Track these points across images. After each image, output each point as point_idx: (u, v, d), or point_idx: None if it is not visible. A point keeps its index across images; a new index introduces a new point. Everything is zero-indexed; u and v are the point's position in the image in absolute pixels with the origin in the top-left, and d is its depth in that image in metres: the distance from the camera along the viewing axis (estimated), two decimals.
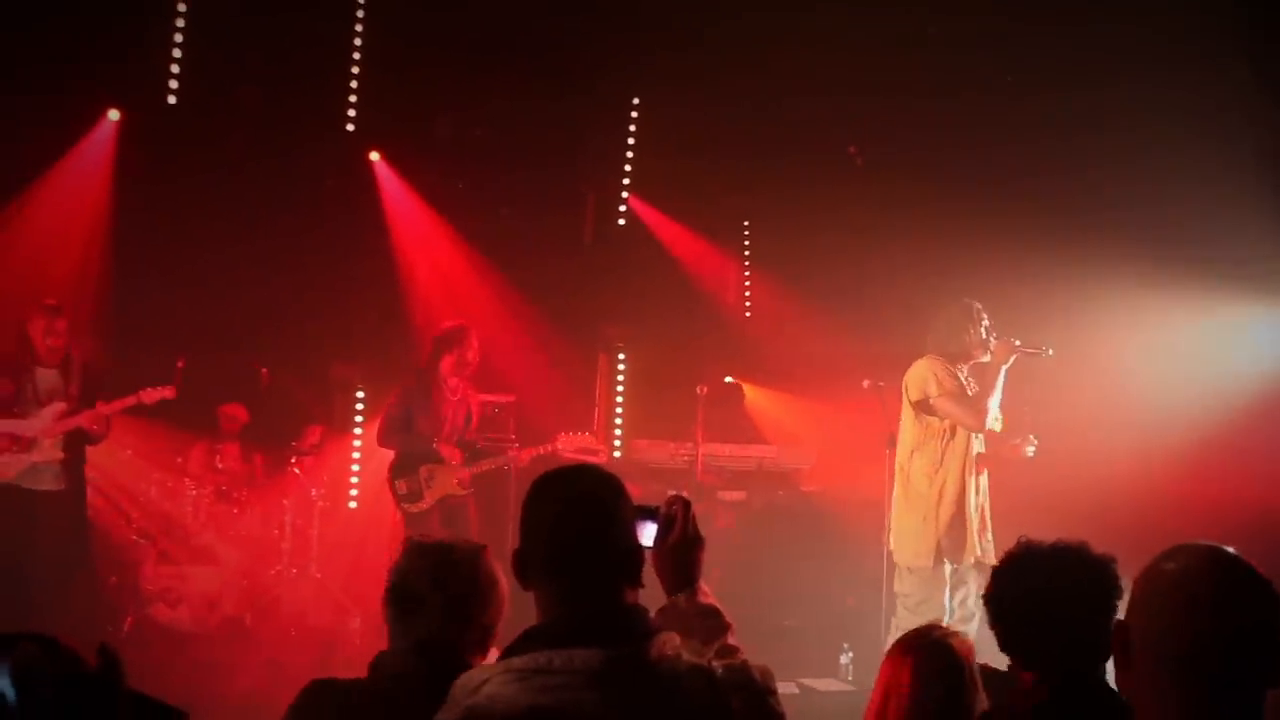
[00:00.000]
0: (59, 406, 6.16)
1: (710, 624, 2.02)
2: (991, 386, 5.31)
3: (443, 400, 6.71)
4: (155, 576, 7.05)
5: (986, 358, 5.41)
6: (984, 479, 5.48)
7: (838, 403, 7.73)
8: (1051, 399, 6.74)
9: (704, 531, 2.14)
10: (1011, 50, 7.28)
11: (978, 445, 5.45)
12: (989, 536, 5.41)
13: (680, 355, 8.83)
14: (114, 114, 7.95)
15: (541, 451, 6.67)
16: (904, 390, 5.51)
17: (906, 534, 5.35)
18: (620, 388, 9.22)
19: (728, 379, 8.74)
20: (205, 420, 7.76)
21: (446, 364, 6.69)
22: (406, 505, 6.68)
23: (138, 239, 7.85)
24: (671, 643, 1.81)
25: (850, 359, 7.32)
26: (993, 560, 5.21)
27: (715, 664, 1.86)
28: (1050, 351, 5.43)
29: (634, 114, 9.31)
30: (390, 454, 6.84)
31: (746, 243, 10.01)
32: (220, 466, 7.66)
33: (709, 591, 2.09)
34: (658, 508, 2.10)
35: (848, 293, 8.17)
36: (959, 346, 5.44)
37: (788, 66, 7.88)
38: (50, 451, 6.14)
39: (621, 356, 9.27)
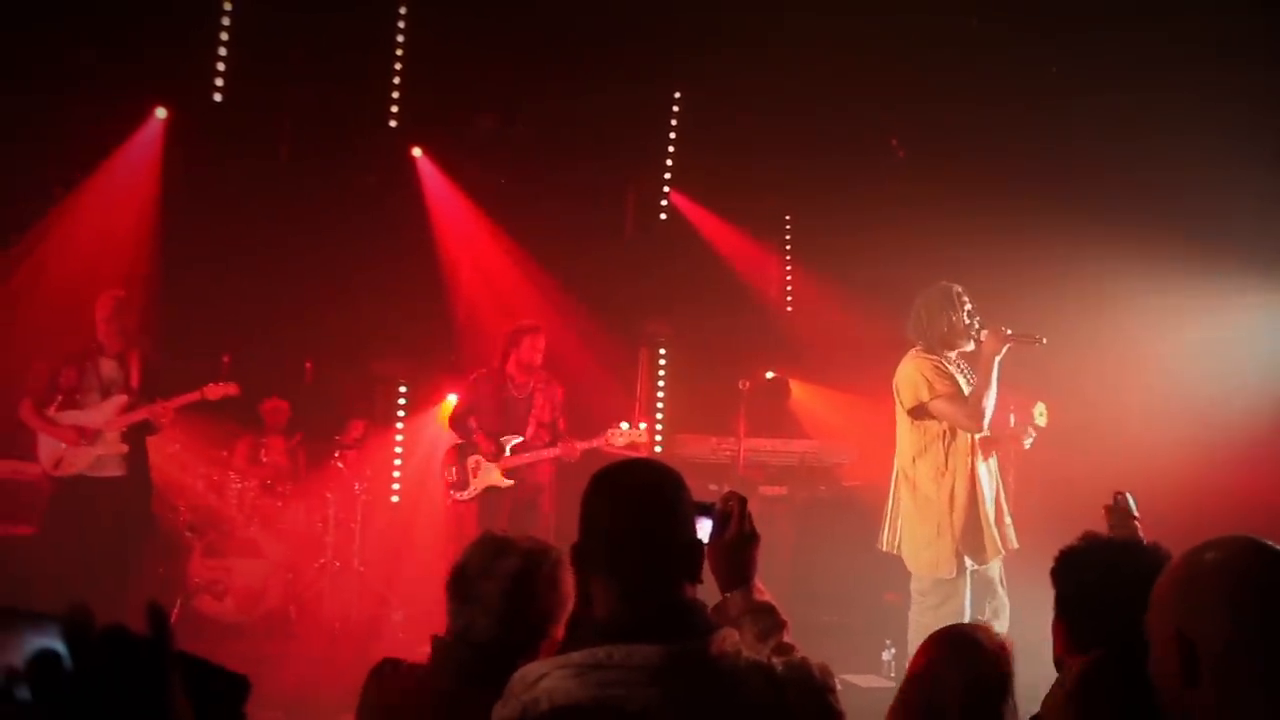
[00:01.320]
0: (121, 399, 6.28)
1: (766, 621, 2.01)
2: (987, 381, 4.96)
3: (506, 395, 6.85)
4: (202, 569, 7.12)
5: (971, 345, 5.11)
6: (994, 463, 5.22)
7: (879, 397, 7.65)
8: (1102, 395, 6.67)
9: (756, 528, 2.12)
10: (1054, 45, 7.19)
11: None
12: (1007, 521, 5.19)
13: (721, 350, 8.80)
14: (161, 112, 8.05)
15: (591, 446, 6.71)
16: (895, 395, 5.22)
17: (922, 543, 5.12)
18: (661, 382, 9.21)
19: (769, 374, 8.70)
20: (250, 414, 7.83)
21: (511, 362, 6.86)
22: (454, 493, 6.86)
23: (184, 235, 7.94)
24: (731, 639, 1.79)
25: (892, 353, 7.25)
26: (1014, 544, 5.14)
27: (774, 661, 1.84)
28: (1044, 340, 5.01)
29: (675, 108, 9.29)
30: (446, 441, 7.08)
31: (788, 237, 9.96)
32: (264, 460, 7.73)
33: (764, 589, 2.07)
34: (713, 504, 2.08)
35: (889, 286, 8.07)
36: (940, 333, 5.12)
37: (828, 60, 7.83)
38: (114, 445, 6.28)
39: (663, 351, 9.26)
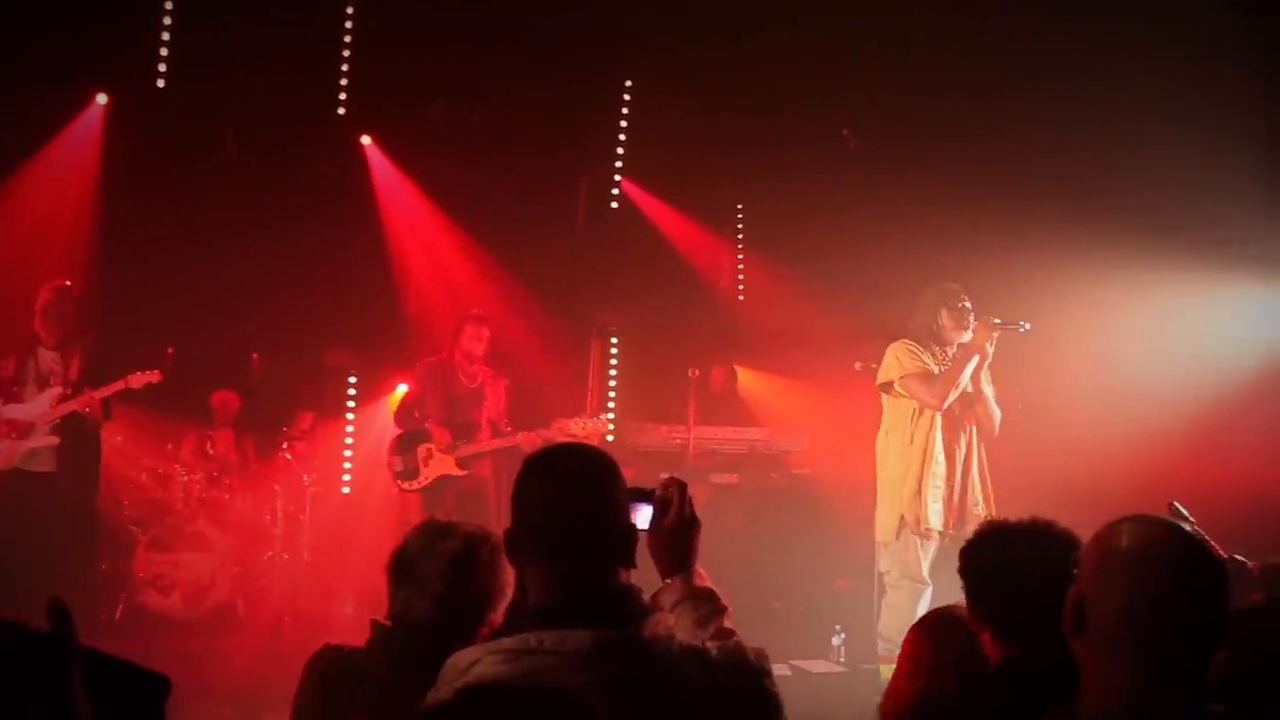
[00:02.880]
0: (55, 392, 6.17)
1: (706, 607, 2.01)
2: (959, 367, 5.34)
3: (457, 383, 6.80)
4: (147, 563, 7.02)
5: (967, 337, 5.42)
6: (969, 447, 5.47)
7: (830, 385, 7.74)
8: (1044, 380, 6.75)
9: (696, 514, 2.13)
10: (1007, 34, 7.26)
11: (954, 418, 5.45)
12: (975, 499, 5.42)
13: (673, 338, 8.81)
14: (102, 98, 7.89)
15: (553, 436, 6.63)
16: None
17: (880, 511, 5.49)
18: (613, 371, 9.20)
19: (720, 363, 8.73)
20: (197, 407, 7.73)
21: (459, 350, 6.80)
22: (401, 482, 6.80)
23: (127, 224, 7.79)
24: (664, 624, 1.80)
25: (843, 341, 7.32)
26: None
27: (709, 645, 1.85)
28: (1026, 326, 5.40)
29: (626, 97, 9.27)
30: (392, 433, 6.99)
31: (739, 225, 9.98)
32: (212, 453, 7.63)
33: (705, 574, 2.08)
34: (653, 490, 2.08)
35: (841, 275, 8.15)
36: (932, 329, 5.48)
37: (780, 49, 7.85)
38: (44, 437, 6.16)
39: (614, 340, 9.25)
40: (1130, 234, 6.75)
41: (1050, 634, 2.20)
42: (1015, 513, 2.46)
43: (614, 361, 9.23)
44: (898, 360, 5.43)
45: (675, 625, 1.90)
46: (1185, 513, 3.34)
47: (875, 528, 5.50)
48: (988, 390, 5.48)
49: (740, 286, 9.97)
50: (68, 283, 6.39)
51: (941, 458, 5.39)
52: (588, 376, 9.10)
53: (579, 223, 9.48)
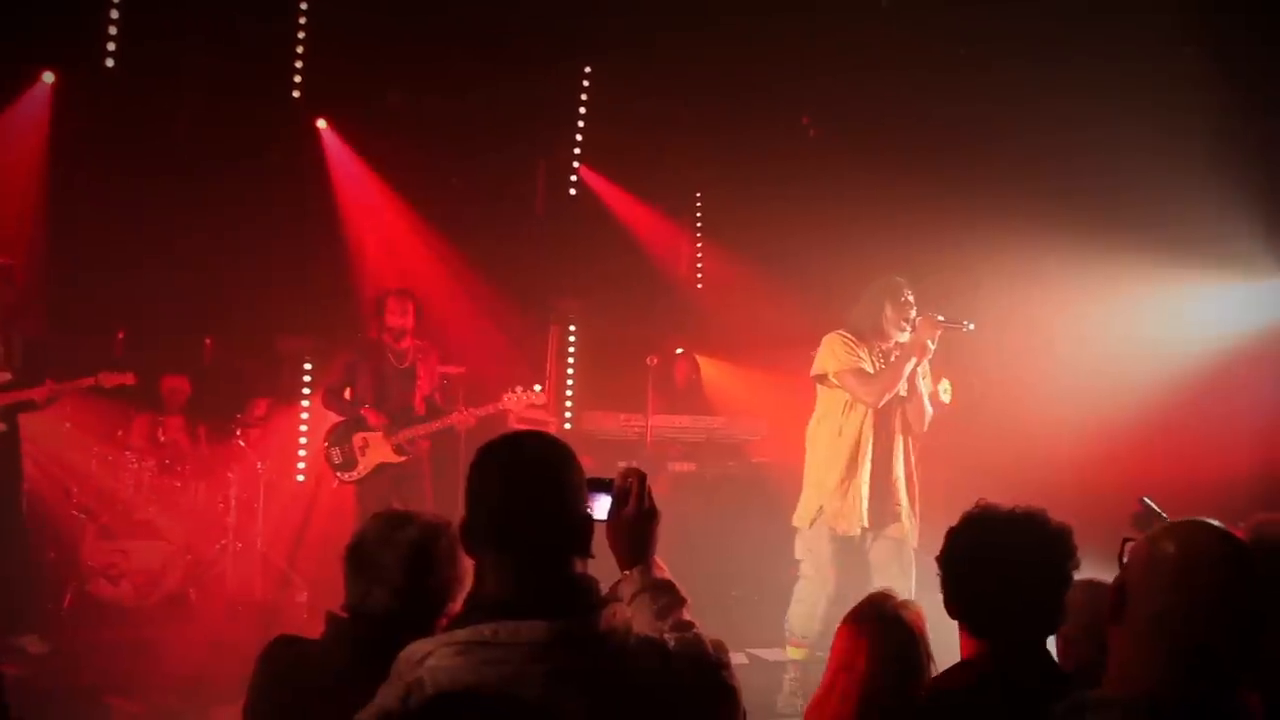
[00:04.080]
0: (2, 377, 6.04)
1: (665, 599, 1.99)
2: (899, 366, 5.29)
3: (386, 365, 6.60)
4: (96, 552, 6.92)
5: (904, 336, 5.36)
6: (903, 446, 5.44)
7: (788, 374, 7.75)
8: (999, 371, 6.82)
9: (656, 505, 2.11)
10: (965, 24, 7.29)
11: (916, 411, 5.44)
12: (899, 511, 5.37)
13: (631, 326, 8.80)
14: (49, 76, 7.72)
15: (488, 412, 6.55)
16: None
17: (802, 497, 5.46)
18: (571, 359, 9.18)
19: (679, 350, 8.74)
20: (147, 392, 7.60)
21: (385, 330, 6.58)
22: (340, 474, 6.59)
23: (74, 207, 7.64)
24: (621, 614, 1.78)
25: (801, 330, 7.33)
26: (904, 534, 5.33)
27: (667, 637, 1.84)
28: (971, 326, 5.34)
29: (585, 83, 9.22)
30: (329, 421, 6.77)
31: (698, 213, 9.99)
32: (163, 439, 7.52)
33: (664, 566, 2.06)
34: (612, 480, 2.06)
35: (799, 264, 8.18)
36: (873, 322, 5.42)
37: (741, 36, 7.84)
38: None
39: (572, 327, 9.23)
40: (1087, 229, 6.81)
41: (1027, 634, 2.21)
42: (964, 507, 2.38)
43: (572, 349, 9.20)
44: (833, 354, 5.37)
45: (634, 617, 1.89)
46: (1156, 508, 3.35)
47: (797, 515, 5.46)
48: (923, 386, 5.43)
49: (698, 274, 9.98)
50: (5, 260, 6.21)
51: (869, 453, 5.34)
52: (545, 364, 9.07)
53: (537, 209, 9.44)
